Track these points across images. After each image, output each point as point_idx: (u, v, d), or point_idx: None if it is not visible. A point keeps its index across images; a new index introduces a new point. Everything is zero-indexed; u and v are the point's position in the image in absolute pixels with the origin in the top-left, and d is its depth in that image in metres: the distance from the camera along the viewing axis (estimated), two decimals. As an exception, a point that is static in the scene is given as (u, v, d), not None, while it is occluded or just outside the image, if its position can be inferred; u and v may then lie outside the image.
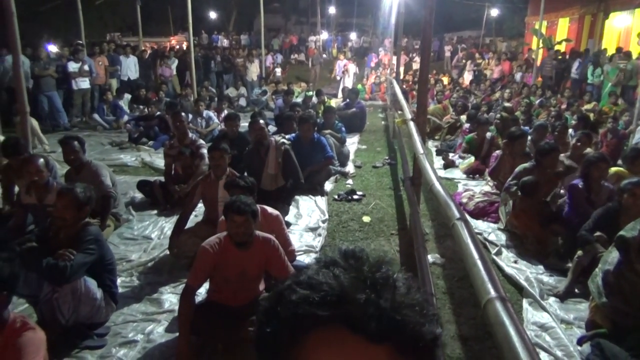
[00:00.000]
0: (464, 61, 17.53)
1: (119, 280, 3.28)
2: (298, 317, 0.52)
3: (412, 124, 4.19)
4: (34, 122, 6.75)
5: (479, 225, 4.61)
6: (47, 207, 3.69)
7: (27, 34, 5.06)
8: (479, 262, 1.50)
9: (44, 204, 3.85)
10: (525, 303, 3.27)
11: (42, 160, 4.00)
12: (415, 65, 16.63)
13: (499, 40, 22.80)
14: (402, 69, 14.42)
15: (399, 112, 7.67)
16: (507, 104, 9.21)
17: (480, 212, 4.84)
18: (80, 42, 11.20)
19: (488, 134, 6.72)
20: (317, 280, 0.54)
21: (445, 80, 14.94)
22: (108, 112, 9.63)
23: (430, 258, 3.73)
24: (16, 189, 4.56)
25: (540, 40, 13.84)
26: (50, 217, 3.05)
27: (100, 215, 4.14)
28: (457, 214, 1.95)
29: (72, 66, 9.65)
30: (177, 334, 2.74)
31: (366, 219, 4.78)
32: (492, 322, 1.21)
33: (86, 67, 9.80)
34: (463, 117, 8.63)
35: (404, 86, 12.62)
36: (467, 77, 16.01)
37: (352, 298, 0.52)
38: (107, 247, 3.07)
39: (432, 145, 8.08)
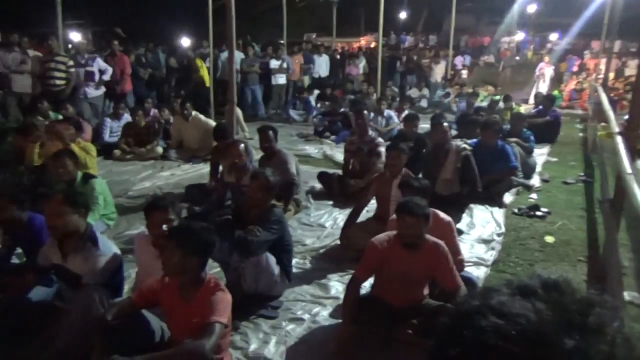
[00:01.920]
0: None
1: (293, 261, 3.55)
2: (487, 347, 0.47)
3: (619, 139, 3.64)
4: (239, 112, 7.70)
5: (698, 266, 3.79)
6: (243, 186, 4.19)
7: (240, 33, 5.80)
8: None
9: (241, 184, 4.38)
10: None
11: (242, 145, 4.57)
12: (629, 71, 14.35)
13: None
14: (611, 75, 12.59)
15: (603, 123, 6.72)
16: None
17: (702, 252, 3.97)
18: (282, 41, 12.42)
19: None
20: (513, 310, 0.48)
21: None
22: (299, 106, 10.49)
23: (626, 295, 3.20)
24: (220, 168, 5.28)
25: None
26: (245, 195, 3.46)
27: (284, 199, 4.55)
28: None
29: (273, 63, 10.75)
30: (340, 320, 2.87)
31: (549, 239, 4.32)
32: None
33: (285, 65, 10.82)
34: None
35: (612, 94, 10.99)
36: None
37: (554, 340, 0.45)
38: (287, 229, 3.37)
39: (642, 164, 6.89)
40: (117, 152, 6.85)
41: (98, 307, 2.46)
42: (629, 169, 2.99)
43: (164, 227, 2.70)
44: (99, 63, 7.84)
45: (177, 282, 2.35)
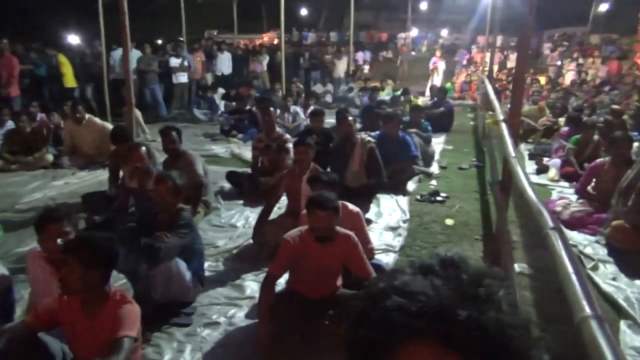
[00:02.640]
0: (562, 60, 16.32)
1: (206, 264, 3.46)
2: (392, 325, 0.50)
3: (504, 125, 3.98)
4: (138, 113, 7.31)
5: (574, 236, 4.28)
6: (147, 191, 3.99)
7: (134, 30, 5.50)
8: (573, 276, 1.40)
9: (145, 188, 4.17)
10: (623, 325, 2.99)
11: (144, 148, 4.34)
12: (510, 64, 15.79)
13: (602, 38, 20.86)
14: (495, 67, 13.76)
15: (490, 112, 7.32)
16: (615, 107, 8.44)
17: (577, 223, 4.48)
18: (181, 38, 11.97)
19: (595, 137, 6.15)
20: (414, 289, 0.51)
21: (543, 80, 14.01)
22: (204, 105, 10.20)
23: (517, 267, 3.53)
24: (121, 173, 4.98)
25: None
26: (153, 200, 3.30)
27: (192, 202, 4.40)
28: (550, 223, 1.83)
29: (173, 61, 10.34)
30: (257, 320, 2.85)
31: (449, 221, 4.64)
32: (586, 343, 1.12)
33: (186, 63, 10.45)
34: (561, 120, 8.04)
35: (497, 85, 12.02)
36: (568, 77, 14.88)
37: (452, 313, 0.48)
38: (197, 232, 3.27)
39: (524, 148, 7.63)
40: (-1, 162, 6.18)
41: (-15, 335, 2.20)
42: (513, 153, 3.29)
43: (59, 241, 2.48)
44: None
45: (78, 299, 2.18)
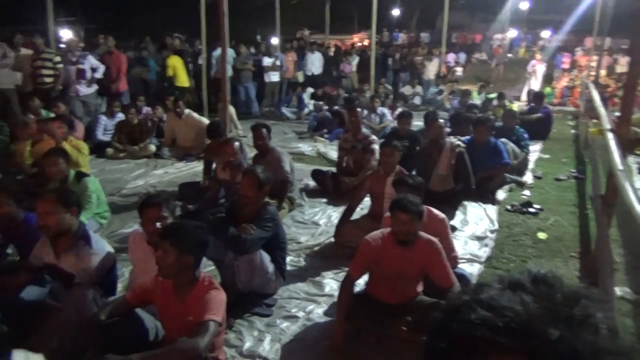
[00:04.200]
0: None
1: (288, 259, 3.56)
2: (475, 339, 0.48)
3: (610, 135, 3.66)
4: (232, 110, 7.68)
5: (689, 262, 3.84)
6: (237, 184, 4.18)
7: (232, 30, 5.78)
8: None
9: (235, 181, 4.37)
10: None
11: (237, 143, 4.56)
12: (620, 68, 14.46)
13: None
14: (602, 72, 12.68)
15: (595, 120, 6.77)
16: None
17: (692, 247, 4.01)
18: (275, 38, 12.38)
19: None
20: (501, 303, 0.49)
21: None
22: (293, 104, 10.47)
23: (618, 291, 3.23)
24: (213, 166, 5.27)
25: None
26: (239, 193, 3.45)
27: (278, 197, 4.55)
28: (663, 245, 1.65)
29: (266, 61, 10.72)
30: (334, 318, 2.88)
31: (542, 235, 4.35)
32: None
33: (278, 62, 10.79)
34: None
35: (603, 91, 11.07)
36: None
37: (540, 331, 0.46)
38: (281, 227, 3.37)
39: (633, 161, 6.95)
40: (110, 150, 6.81)
41: (91, 306, 2.44)
42: (620, 166, 3.01)
43: (158, 224, 2.69)
44: (91, 60, 7.77)
45: (171, 280, 2.35)
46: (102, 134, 7.18)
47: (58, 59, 7.38)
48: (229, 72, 8.41)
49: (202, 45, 9.48)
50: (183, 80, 9.88)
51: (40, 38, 7.61)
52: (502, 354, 0.47)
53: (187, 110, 6.97)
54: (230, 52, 9.96)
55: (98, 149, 6.84)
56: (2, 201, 2.98)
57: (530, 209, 4.91)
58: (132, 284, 2.79)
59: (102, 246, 2.80)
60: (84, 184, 3.99)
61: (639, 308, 3.20)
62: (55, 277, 2.72)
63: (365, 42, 20.34)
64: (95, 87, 7.93)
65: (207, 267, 3.28)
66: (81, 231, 2.77)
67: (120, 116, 7.29)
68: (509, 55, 19.35)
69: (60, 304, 2.64)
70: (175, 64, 9.76)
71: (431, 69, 14.14)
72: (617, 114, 4.66)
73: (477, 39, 24.43)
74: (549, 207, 5.05)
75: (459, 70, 15.92)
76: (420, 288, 2.91)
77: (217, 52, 9.92)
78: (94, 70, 7.76)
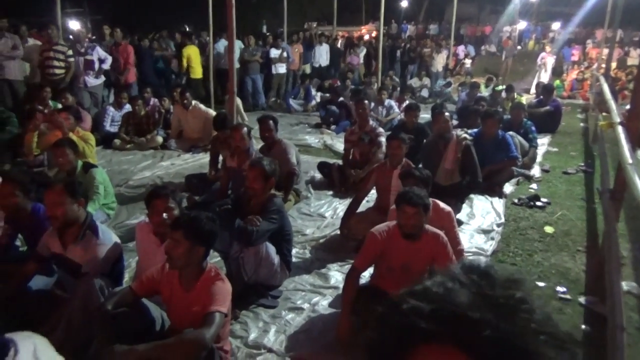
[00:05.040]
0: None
1: (293, 251, 3.56)
2: (405, 327, 0.51)
3: (620, 129, 3.61)
4: (239, 101, 7.67)
5: (698, 257, 3.80)
6: (244, 172, 4.18)
7: (240, 22, 5.77)
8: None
9: (243, 169, 4.37)
10: None
11: (245, 129, 4.57)
12: (631, 61, 14.29)
13: None
14: (613, 65, 12.52)
15: (605, 113, 6.71)
16: None
17: (702, 242, 3.98)
18: (282, 30, 12.32)
19: None
20: (431, 292, 0.52)
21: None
22: (300, 96, 10.44)
23: (624, 285, 3.21)
24: (220, 158, 5.27)
25: None
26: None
27: (284, 189, 4.55)
28: (671, 240, 1.63)
29: (273, 52, 10.69)
30: (339, 310, 2.89)
31: (549, 229, 4.33)
32: None
33: (285, 54, 10.76)
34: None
35: (614, 85, 10.93)
36: None
37: (464, 316, 0.48)
38: (287, 219, 3.37)
39: (643, 155, 6.87)
40: (117, 141, 6.84)
41: (98, 296, 2.46)
42: (629, 160, 2.98)
43: (165, 215, 2.70)
44: (99, 52, 7.78)
45: (177, 271, 2.36)
46: (110, 126, 7.21)
47: (70, 52, 7.39)
48: (236, 64, 8.38)
49: (209, 37, 9.46)
50: (198, 72, 9.87)
51: (56, 29, 7.62)
52: (432, 342, 0.49)
53: (194, 102, 6.98)
54: (238, 44, 9.94)
55: (105, 141, 6.87)
56: (11, 192, 3.00)
57: (538, 203, 4.88)
58: (139, 274, 2.81)
59: (109, 237, 2.81)
60: (92, 175, 4.01)
61: (647, 303, 3.18)
62: (62, 267, 2.75)
63: (373, 34, 20.20)
64: (102, 79, 7.95)
65: (213, 259, 3.30)
66: (88, 222, 2.78)
67: (128, 107, 7.31)
68: (518, 47, 19.13)
69: (67, 293, 2.67)
70: (192, 54, 9.75)
71: (439, 61, 14.04)
72: (628, 107, 4.61)
73: (486, 31, 24.14)
74: (556, 200, 5.02)
75: (468, 63, 15.77)
76: (425, 281, 2.90)
77: (222, 43, 9.89)
78: (101, 61, 7.77)
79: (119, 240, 2.89)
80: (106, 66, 7.91)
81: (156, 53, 10.12)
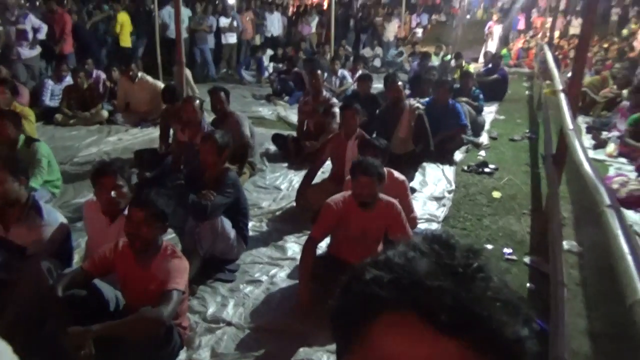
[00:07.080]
0: (633, 26, 15.10)
1: (250, 224, 3.55)
2: (367, 296, 0.52)
3: (562, 96, 3.78)
4: (188, 72, 7.41)
5: (631, 215, 4.08)
6: (196, 145, 4.08)
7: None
8: (628, 257, 1.34)
9: (195, 143, 4.26)
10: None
11: (197, 102, 4.43)
12: (573, 30, 14.82)
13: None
14: (556, 34, 12.95)
15: (548, 81, 6.97)
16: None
17: (634, 202, 4.27)
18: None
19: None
20: (393, 262, 0.53)
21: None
22: (252, 67, 10.20)
23: (565, 244, 3.42)
24: (171, 132, 5.11)
25: None
26: (199, 156, 3.37)
27: (239, 162, 4.48)
28: (607, 201, 1.75)
29: (223, 21, 10.33)
30: (297, 281, 2.92)
31: (496, 194, 4.52)
32: (638, 326, 1.08)
33: (235, 23, 10.42)
34: (625, 92, 7.52)
35: (557, 53, 11.35)
36: (638, 45, 13.78)
37: (423, 283, 0.50)
38: (242, 192, 3.34)
39: (582, 121, 7.24)
40: (58, 116, 6.46)
41: (47, 278, 2.37)
42: (570, 125, 3.13)
43: (113, 193, 2.60)
44: (32, 20, 7.22)
45: (132, 249, 2.30)
46: (50, 100, 6.78)
47: None
48: (184, 33, 8.06)
49: (154, 4, 9.01)
50: (127, 40, 9.45)
51: None
52: (393, 309, 0.50)
53: (140, 74, 6.68)
54: (186, 12, 9.53)
55: (45, 115, 6.47)
56: None
57: (486, 169, 5.07)
58: (89, 254, 2.72)
59: (54, 217, 2.69)
60: (34, 149, 3.80)
61: (584, 260, 3.41)
62: (4, 250, 2.61)
63: (325, 2, 19.87)
64: (38, 49, 7.43)
65: (168, 235, 3.23)
66: (31, 202, 2.65)
67: (69, 80, 6.89)
68: (467, 16, 19.41)
69: (13, 276, 2.55)
70: (124, 22, 9.29)
71: (391, 31, 14.04)
72: (569, 75, 4.81)
73: (437, 0, 24.29)
74: (503, 166, 5.23)
75: (419, 32, 15.88)
76: (381, 248, 2.97)
77: (167, 10, 9.42)
78: (35, 30, 7.24)
79: (65, 220, 2.78)
80: (41, 36, 7.37)
81: (94, 19, 9.56)
